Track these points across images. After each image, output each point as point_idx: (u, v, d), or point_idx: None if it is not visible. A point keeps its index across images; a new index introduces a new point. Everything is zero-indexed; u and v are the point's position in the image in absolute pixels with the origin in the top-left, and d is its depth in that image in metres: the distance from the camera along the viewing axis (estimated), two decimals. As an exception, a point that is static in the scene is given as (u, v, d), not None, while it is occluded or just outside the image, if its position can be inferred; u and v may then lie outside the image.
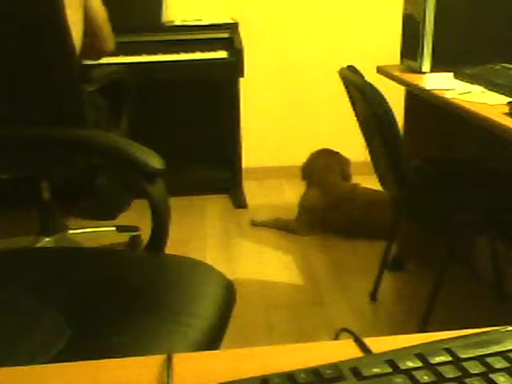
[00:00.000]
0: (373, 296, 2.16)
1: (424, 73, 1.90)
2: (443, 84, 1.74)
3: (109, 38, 2.22)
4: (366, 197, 2.64)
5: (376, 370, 0.45)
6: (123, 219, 2.80)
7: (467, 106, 1.50)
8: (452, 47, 1.90)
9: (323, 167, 2.72)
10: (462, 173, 1.92)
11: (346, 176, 2.75)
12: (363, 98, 1.64)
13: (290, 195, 3.14)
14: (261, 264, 2.45)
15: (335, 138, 3.26)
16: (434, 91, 1.68)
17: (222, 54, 2.82)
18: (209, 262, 1.05)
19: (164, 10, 2.88)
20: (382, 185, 1.90)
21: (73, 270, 1.04)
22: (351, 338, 0.52)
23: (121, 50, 2.71)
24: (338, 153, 2.79)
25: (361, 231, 2.62)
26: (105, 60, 2.53)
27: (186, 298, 0.93)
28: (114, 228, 2.51)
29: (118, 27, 2.37)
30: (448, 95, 1.61)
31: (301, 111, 3.36)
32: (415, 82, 1.82)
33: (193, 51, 2.81)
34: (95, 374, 0.49)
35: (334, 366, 0.46)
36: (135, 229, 2.52)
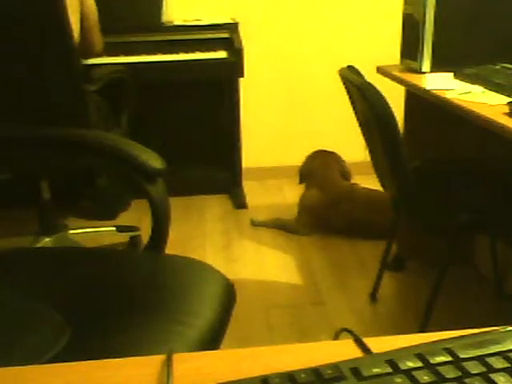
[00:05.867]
0: (373, 296, 2.16)
1: (424, 73, 1.90)
2: (443, 84, 1.73)
3: (98, 40, 2.22)
4: (365, 196, 2.64)
5: (376, 370, 0.45)
6: (123, 219, 2.80)
7: (467, 105, 1.50)
8: (452, 47, 1.90)
9: (322, 166, 2.73)
10: (462, 173, 1.92)
11: (346, 174, 2.76)
12: (363, 98, 1.64)
13: (289, 195, 3.14)
14: (261, 264, 2.45)
15: (335, 138, 3.26)
16: (434, 91, 1.68)
17: (221, 54, 2.82)
18: (209, 262, 1.05)
19: (164, 10, 2.88)
20: (382, 185, 1.90)
21: (73, 269, 1.04)
22: (351, 338, 0.52)
23: (121, 49, 2.71)
24: (334, 152, 2.80)
25: (361, 231, 2.62)
26: (105, 60, 2.54)
27: (185, 298, 0.93)
28: (114, 228, 2.51)
29: (118, 27, 2.37)
30: (448, 95, 1.61)
31: (301, 111, 3.36)
32: (415, 82, 1.82)
33: (193, 51, 2.81)
34: (95, 373, 0.49)
35: (334, 366, 0.46)
36: (135, 229, 2.52)
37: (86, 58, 2.36)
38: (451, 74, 1.85)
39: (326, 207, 2.67)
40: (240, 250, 2.57)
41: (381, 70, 2.09)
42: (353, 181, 2.76)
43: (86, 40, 2.18)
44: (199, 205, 3.08)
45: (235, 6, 3.12)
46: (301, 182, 2.79)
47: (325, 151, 2.80)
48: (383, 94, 1.59)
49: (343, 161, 2.80)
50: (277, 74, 3.29)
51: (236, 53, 2.79)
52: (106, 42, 2.67)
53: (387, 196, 2.00)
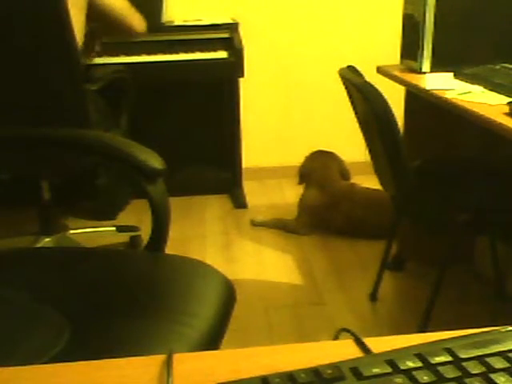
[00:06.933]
0: (373, 296, 2.16)
1: (424, 73, 1.90)
2: (443, 84, 1.74)
3: (134, 22, 2.31)
4: (365, 196, 2.64)
5: (376, 370, 0.45)
6: (123, 219, 2.80)
7: (467, 106, 1.50)
8: (452, 47, 1.90)
9: (321, 166, 2.73)
10: (462, 172, 1.92)
11: (345, 174, 2.76)
12: (363, 98, 1.64)
13: (289, 195, 3.14)
14: (261, 264, 2.45)
15: (335, 138, 3.26)
16: (434, 91, 1.68)
17: (221, 54, 2.82)
18: (209, 262, 1.05)
19: (164, 10, 2.88)
20: (381, 185, 1.90)
21: (73, 269, 1.04)
22: (351, 338, 0.52)
23: (121, 49, 2.71)
24: (333, 152, 2.80)
25: (360, 231, 2.62)
26: (105, 60, 2.54)
27: (185, 298, 0.93)
28: (114, 228, 2.51)
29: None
30: (448, 95, 1.61)
31: (301, 111, 3.35)
32: (415, 82, 1.82)
33: (193, 51, 2.81)
34: (95, 373, 0.49)
35: (334, 366, 0.46)
36: (135, 229, 2.52)
37: (129, 40, 2.46)
38: (451, 74, 1.85)
39: (325, 207, 2.67)
40: (240, 250, 2.57)
41: (381, 70, 2.09)
42: (352, 181, 2.77)
43: (122, 26, 2.25)
44: (199, 205, 3.08)
45: (235, 6, 3.12)
46: (300, 182, 2.79)
47: (324, 151, 2.80)
48: (383, 93, 1.59)
49: (342, 161, 2.80)
50: (277, 74, 3.28)
51: (236, 53, 2.79)
52: (106, 42, 2.68)
53: (387, 196, 2.00)
